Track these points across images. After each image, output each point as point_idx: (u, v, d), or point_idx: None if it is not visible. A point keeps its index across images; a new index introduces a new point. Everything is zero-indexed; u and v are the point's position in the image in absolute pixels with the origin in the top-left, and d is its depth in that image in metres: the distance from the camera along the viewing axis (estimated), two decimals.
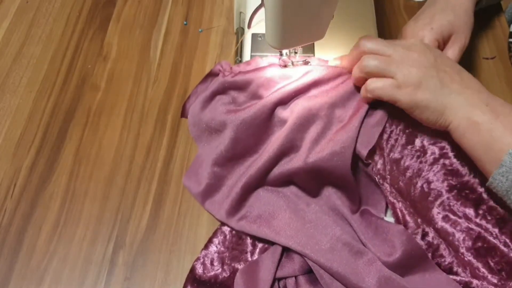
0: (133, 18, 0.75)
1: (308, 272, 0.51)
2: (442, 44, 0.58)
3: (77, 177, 0.60)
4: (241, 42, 0.67)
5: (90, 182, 0.60)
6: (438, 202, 0.52)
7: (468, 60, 0.69)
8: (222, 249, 0.54)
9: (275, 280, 0.51)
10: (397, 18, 0.74)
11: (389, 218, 0.54)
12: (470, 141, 0.48)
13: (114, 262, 0.54)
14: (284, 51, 0.59)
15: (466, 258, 0.50)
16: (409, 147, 0.54)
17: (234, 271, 0.52)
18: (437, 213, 0.52)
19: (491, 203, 0.51)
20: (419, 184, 0.53)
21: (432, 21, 0.58)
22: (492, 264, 0.50)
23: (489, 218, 0.51)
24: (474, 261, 0.50)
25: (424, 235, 0.51)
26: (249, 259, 0.53)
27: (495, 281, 0.49)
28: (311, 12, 0.48)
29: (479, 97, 0.48)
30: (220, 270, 0.52)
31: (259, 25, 0.60)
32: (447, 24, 0.58)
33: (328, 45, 0.60)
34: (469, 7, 0.60)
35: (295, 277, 0.51)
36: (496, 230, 0.51)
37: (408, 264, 0.49)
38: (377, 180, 0.54)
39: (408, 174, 0.53)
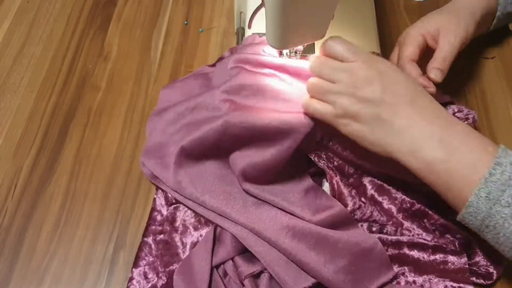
0: (134, 18, 0.75)
1: (243, 252, 0.52)
2: (430, 39, 0.58)
3: (78, 177, 0.60)
4: (242, 41, 0.67)
5: (91, 182, 0.60)
6: (371, 177, 0.55)
7: (468, 60, 0.69)
8: (151, 259, 0.53)
9: (214, 269, 0.51)
10: (397, 18, 0.74)
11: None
12: (427, 179, 0.45)
13: (115, 262, 0.54)
14: (284, 51, 0.59)
15: (399, 220, 0.53)
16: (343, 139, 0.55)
17: (171, 275, 0.52)
18: (371, 187, 0.55)
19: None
20: (352, 169, 0.56)
21: (423, 19, 0.59)
22: (427, 225, 0.53)
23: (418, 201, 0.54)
24: (407, 222, 0.53)
25: (359, 207, 0.54)
26: (183, 257, 0.53)
27: (429, 239, 0.52)
28: (311, 12, 0.48)
29: (431, 131, 0.44)
30: (156, 279, 0.52)
31: (259, 24, 0.60)
32: (434, 22, 0.58)
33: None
34: (464, 13, 0.59)
35: (232, 260, 0.51)
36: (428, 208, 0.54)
37: (330, 223, 0.51)
38: (312, 158, 0.55)
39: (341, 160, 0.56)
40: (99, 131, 0.64)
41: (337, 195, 0.54)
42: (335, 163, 0.56)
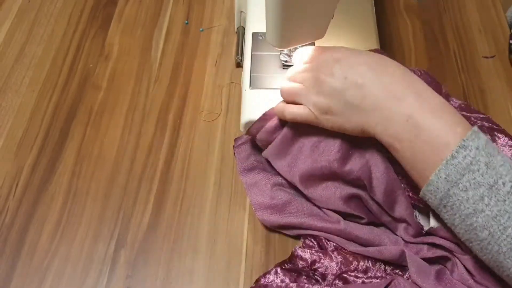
0: (135, 18, 0.76)
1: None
2: None
3: (79, 176, 0.61)
4: (242, 41, 0.68)
5: (92, 181, 0.60)
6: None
7: (468, 60, 0.69)
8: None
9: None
10: (397, 18, 0.74)
11: None
12: (395, 156, 0.46)
13: (116, 261, 0.55)
14: (285, 50, 0.59)
15: None
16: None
17: None
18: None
19: None
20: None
21: None
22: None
23: None
24: None
25: None
26: None
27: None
28: (311, 11, 0.49)
29: (400, 108, 0.44)
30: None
31: (259, 24, 0.60)
32: None
33: (328, 44, 0.61)
34: None
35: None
36: None
37: None
38: None
39: None
40: (100, 130, 0.64)
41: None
42: None
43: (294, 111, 0.51)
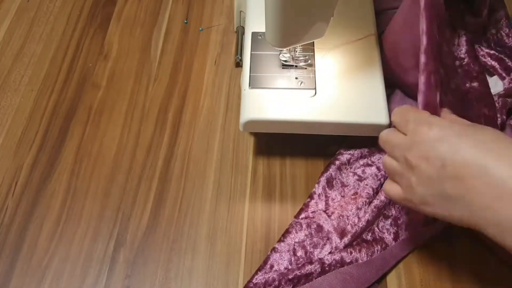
0: (134, 17, 0.76)
1: None
2: None
3: (78, 175, 0.61)
4: (241, 40, 0.68)
5: (91, 180, 0.60)
6: None
7: None
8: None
9: None
10: None
11: None
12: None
13: (115, 260, 0.55)
14: (284, 49, 0.59)
15: None
16: None
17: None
18: None
19: None
20: None
21: None
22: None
23: None
24: None
25: None
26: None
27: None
28: (311, 11, 0.49)
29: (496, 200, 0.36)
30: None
31: (259, 24, 0.60)
32: None
33: (328, 44, 0.61)
34: None
35: None
36: None
37: None
38: None
39: None
40: (100, 129, 0.64)
41: None
42: None
43: (386, 189, 0.46)
